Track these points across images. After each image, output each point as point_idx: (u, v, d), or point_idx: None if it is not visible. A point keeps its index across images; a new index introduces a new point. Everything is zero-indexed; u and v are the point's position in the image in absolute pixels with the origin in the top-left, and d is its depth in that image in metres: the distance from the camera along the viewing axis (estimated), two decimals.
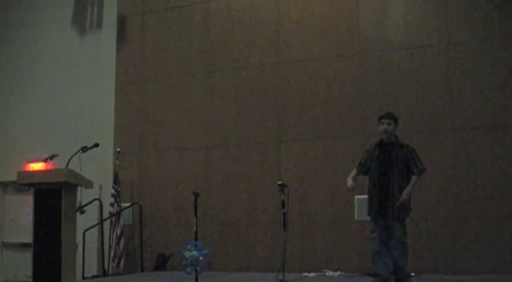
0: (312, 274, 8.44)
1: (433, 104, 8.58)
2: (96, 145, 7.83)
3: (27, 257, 7.35)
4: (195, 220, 6.85)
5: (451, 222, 8.26)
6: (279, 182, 7.13)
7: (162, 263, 9.73)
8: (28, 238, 7.14)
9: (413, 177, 6.42)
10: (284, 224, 6.94)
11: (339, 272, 8.41)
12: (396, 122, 6.59)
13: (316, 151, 9.15)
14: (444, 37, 8.66)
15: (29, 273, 6.87)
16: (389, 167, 6.45)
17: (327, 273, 8.45)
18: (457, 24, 8.62)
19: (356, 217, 8.71)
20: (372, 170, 6.61)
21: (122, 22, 10.87)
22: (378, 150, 6.61)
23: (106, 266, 9.70)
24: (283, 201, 6.98)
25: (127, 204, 10.06)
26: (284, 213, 6.96)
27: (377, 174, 6.53)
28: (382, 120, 6.58)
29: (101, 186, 10.14)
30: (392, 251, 6.41)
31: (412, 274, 7.62)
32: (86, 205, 8.68)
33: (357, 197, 8.57)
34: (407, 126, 8.65)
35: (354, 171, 6.82)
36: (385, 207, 6.42)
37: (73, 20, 11.30)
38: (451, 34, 8.63)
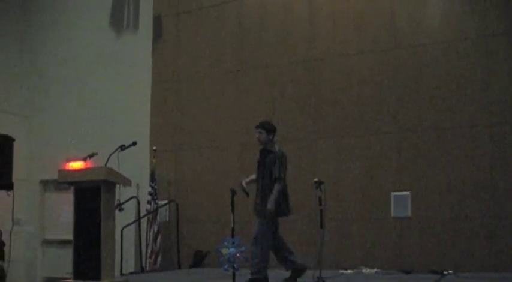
0: (348, 271, 8.39)
1: (471, 98, 8.43)
2: (134, 143, 7.91)
3: (68, 253, 7.48)
4: (232, 217, 6.85)
5: (489, 219, 8.11)
6: (315, 179, 7.07)
7: (199, 260, 9.80)
8: (68, 235, 7.28)
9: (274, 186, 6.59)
10: (321, 221, 6.89)
11: (375, 269, 8.35)
12: (267, 129, 6.83)
13: (351, 147, 9.09)
14: (481, 29, 8.49)
15: (70, 269, 7.01)
16: (260, 171, 6.83)
17: (363, 271, 8.39)
18: (494, 15, 8.43)
19: (393, 214, 8.63)
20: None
21: (157, 22, 11.01)
22: (258, 156, 6.93)
23: (143, 263, 9.84)
24: (319, 198, 6.93)
25: (164, 202, 10.18)
26: (321, 211, 6.91)
27: (257, 178, 6.91)
28: (255, 130, 6.89)
29: (138, 184, 10.26)
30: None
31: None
32: (124, 203, 8.73)
33: (394, 193, 8.52)
34: (444, 122, 8.53)
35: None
36: (254, 207, 6.88)
37: (110, 20, 11.49)
38: (489, 26, 8.45)
